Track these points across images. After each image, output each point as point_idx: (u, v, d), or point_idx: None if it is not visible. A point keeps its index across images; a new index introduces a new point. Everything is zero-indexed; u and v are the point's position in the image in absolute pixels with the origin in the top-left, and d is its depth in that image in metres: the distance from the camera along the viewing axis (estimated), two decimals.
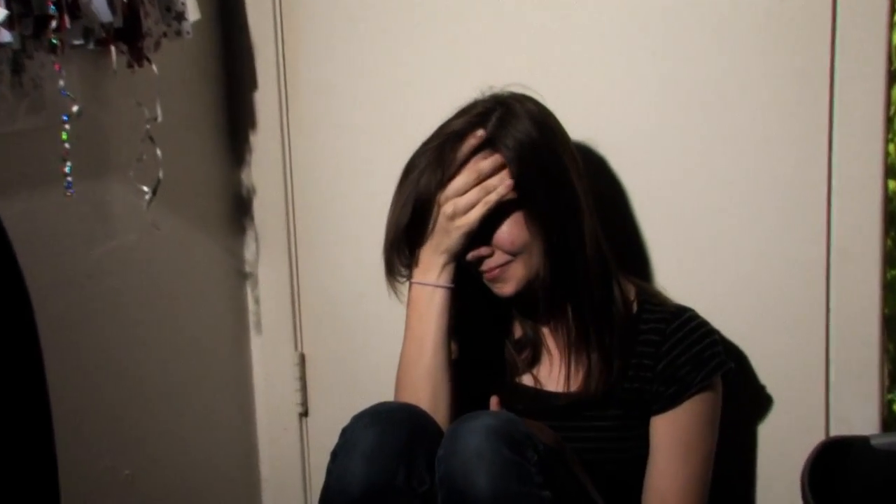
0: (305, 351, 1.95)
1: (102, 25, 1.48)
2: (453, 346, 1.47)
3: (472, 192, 1.38)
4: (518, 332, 1.54)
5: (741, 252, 1.57)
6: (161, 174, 1.59)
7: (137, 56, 1.56)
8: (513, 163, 1.39)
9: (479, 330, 1.53)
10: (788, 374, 1.57)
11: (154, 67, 1.57)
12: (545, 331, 1.53)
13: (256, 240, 1.93)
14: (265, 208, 1.91)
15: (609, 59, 1.61)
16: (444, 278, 1.43)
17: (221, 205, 1.90)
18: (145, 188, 1.59)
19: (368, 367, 1.88)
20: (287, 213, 1.90)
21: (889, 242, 1.51)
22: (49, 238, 1.51)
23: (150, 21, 1.55)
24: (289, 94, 1.86)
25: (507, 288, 1.44)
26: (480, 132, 1.39)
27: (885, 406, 1.53)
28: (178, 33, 1.62)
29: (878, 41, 1.43)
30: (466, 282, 1.46)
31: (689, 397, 1.44)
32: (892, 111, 1.48)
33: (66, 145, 1.43)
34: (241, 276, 1.95)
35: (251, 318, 1.96)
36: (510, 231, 1.41)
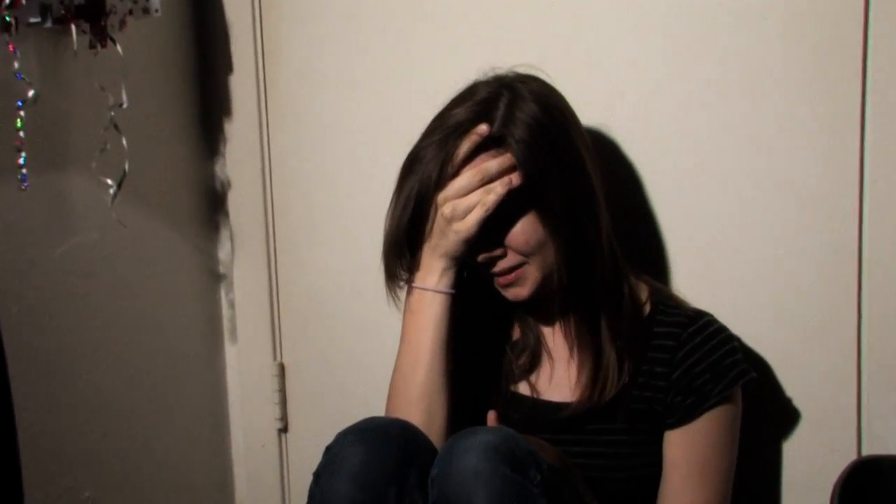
0: (285, 360, 1.95)
1: (62, 2, 1.47)
2: (452, 358, 1.46)
3: (473, 195, 1.37)
4: (516, 334, 1.54)
5: (764, 253, 1.57)
6: (127, 166, 1.58)
7: (100, 35, 1.55)
8: (523, 158, 1.37)
9: (478, 334, 1.52)
10: (817, 385, 1.56)
11: (119, 48, 1.57)
12: (547, 334, 1.52)
13: (231, 238, 1.92)
14: (241, 203, 1.91)
15: (630, 44, 1.61)
16: (445, 283, 1.43)
17: (193, 200, 1.90)
18: (109, 181, 1.58)
19: (355, 378, 1.88)
20: (265, 209, 1.90)
21: None
22: (1, 236, 1.50)
23: None
24: (268, 79, 1.86)
25: (522, 292, 1.43)
26: (484, 128, 1.37)
27: None
28: (146, 11, 1.61)
29: None
30: (470, 285, 1.46)
31: (706, 410, 1.43)
32: None
33: (21, 134, 1.42)
34: (214, 277, 1.95)
35: (225, 325, 1.96)
36: (524, 230, 1.39)
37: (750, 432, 1.51)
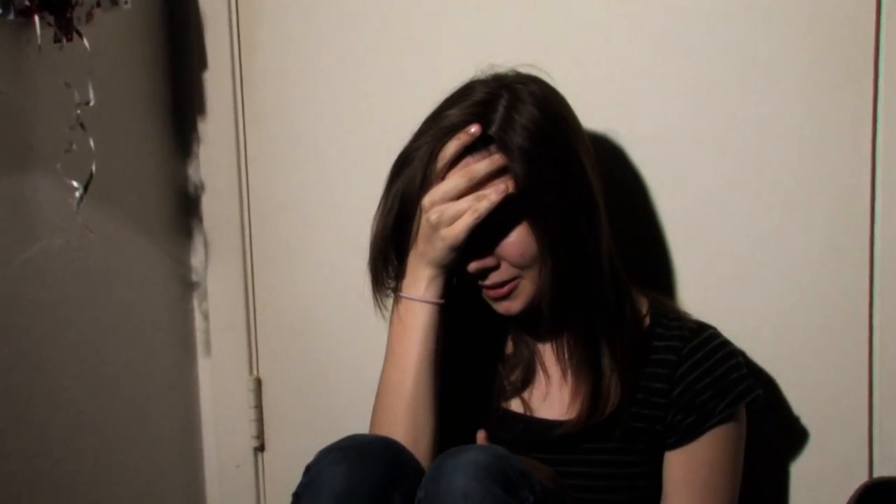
0: (262, 375, 1.94)
1: None
2: (441, 372, 1.46)
3: (462, 200, 1.36)
4: (510, 348, 1.53)
5: (772, 264, 1.57)
6: (94, 167, 1.58)
7: (66, 29, 1.54)
8: (521, 167, 1.36)
9: (469, 347, 1.52)
10: (826, 403, 1.56)
11: (86, 42, 1.56)
12: (542, 349, 1.51)
13: (205, 244, 1.92)
14: (216, 208, 1.91)
15: (635, 44, 1.61)
16: (432, 293, 1.42)
17: (165, 203, 1.89)
18: (75, 183, 1.58)
19: (337, 393, 1.87)
20: (241, 214, 1.90)
21: None
22: None
23: None
24: (244, 76, 1.85)
25: (514, 306, 1.43)
26: (475, 128, 1.36)
27: None
28: (115, 2, 1.61)
29: None
30: (460, 294, 1.45)
31: (709, 429, 1.43)
32: None
33: None
34: (187, 286, 1.94)
35: (198, 337, 1.96)
36: (519, 242, 1.38)
37: (755, 452, 1.51)
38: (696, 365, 1.44)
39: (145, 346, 1.86)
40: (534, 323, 1.48)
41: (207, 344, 1.96)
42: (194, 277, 1.94)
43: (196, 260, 1.94)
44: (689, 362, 1.44)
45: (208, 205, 1.91)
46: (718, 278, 1.60)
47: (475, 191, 1.36)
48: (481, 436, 1.42)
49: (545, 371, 1.51)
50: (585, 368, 1.44)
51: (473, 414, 1.48)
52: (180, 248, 1.92)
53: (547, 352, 1.51)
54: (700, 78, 1.57)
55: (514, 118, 1.36)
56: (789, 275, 1.56)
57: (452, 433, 1.42)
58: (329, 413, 1.87)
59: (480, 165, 1.36)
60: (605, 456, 1.46)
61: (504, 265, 1.40)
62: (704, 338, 1.46)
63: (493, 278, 1.41)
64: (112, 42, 1.71)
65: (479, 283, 1.42)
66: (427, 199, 1.37)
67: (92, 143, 1.57)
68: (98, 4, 1.58)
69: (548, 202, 1.37)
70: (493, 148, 1.37)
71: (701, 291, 1.60)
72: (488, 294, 1.43)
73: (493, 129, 1.36)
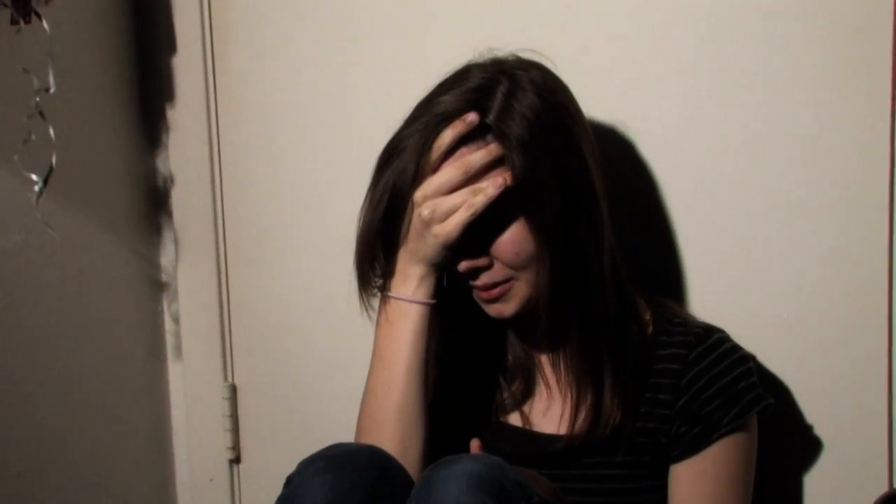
0: (237, 381, 1.94)
1: None
2: (431, 376, 1.46)
3: (457, 194, 1.35)
4: (507, 356, 1.53)
5: (785, 264, 1.57)
6: (54, 159, 1.56)
7: (23, 10, 1.54)
8: (517, 154, 1.35)
9: (462, 352, 1.52)
10: (842, 410, 1.57)
11: (45, 24, 1.55)
12: (542, 359, 1.51)
13: (176, 242, 1.92)
14: (186, 203, 1.91)
15: (644, 30, 1.61)
16: (423, 292, 1.41)
17: (131, 198, 1.89)
18: (34, 177, 1.56)
19: (318, 401, 1.88)
20: (214, 209, 1.90)
21: None
22: None
23: None
24: (216, 60, 1.85)
25: (506, 309, 1.42)
26: (472, 116, 1.35)
27: None
28: None
29: None
30: (452, 294, 1.45)
31: (716, 440, 1.43)
32: None
33: None
34: (156, 287, 1.94)
35: (169, 340, 1.96)
36: (514, 240, 1.38)
37: (767, 463, 1.51)
38: (703, 373, 1.44)
39: (112, 352, 1.85)
40: (531, 329, 1.47)
41: (178, 348, 1.96)
42: (164, 277, 1.94)
43: (166, 259, 1.94)
44: (695, 370, 1.44)
45: (178, 199, 1.91)
46: (728, 279, 1.60)
47: (471, 184, 1.35)
48: (475, 444, 1.42)
49: (545, 382, 1.51)
50: (586, 380, 1.43)
51: (468, 425, 1.48)
52: (149, 245, 1.92)
53: (547, 360, 1.50)
54: (713, 68, 1.58)
55: (514, 106, 1.36)
56: (803, 275, 1.57)
57: (444, 446, 1.41)
58: (310, 422, 1.88)
59: (476, 156, 1.36)
60: (609, 471, 1.46)
61: (497, 265, 1.40)
62: (711, 343, 1.46)
63: (485, 279, 1.40)
64: (74, 24, 1.71)
65: (471, 283, 1.42)
66: (419, 193, 1.36)
67: (52, 132, 1.56)
68: None
69: (547, 197, 1.36)
70: (489, 138, 1.36)
71: (709, 293, 1.60)
72: (479, 295, 1.43)
73: (490, 118, 1.36)
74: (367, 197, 1.41)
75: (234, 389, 1.94)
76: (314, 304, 1.85)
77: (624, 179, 1.58)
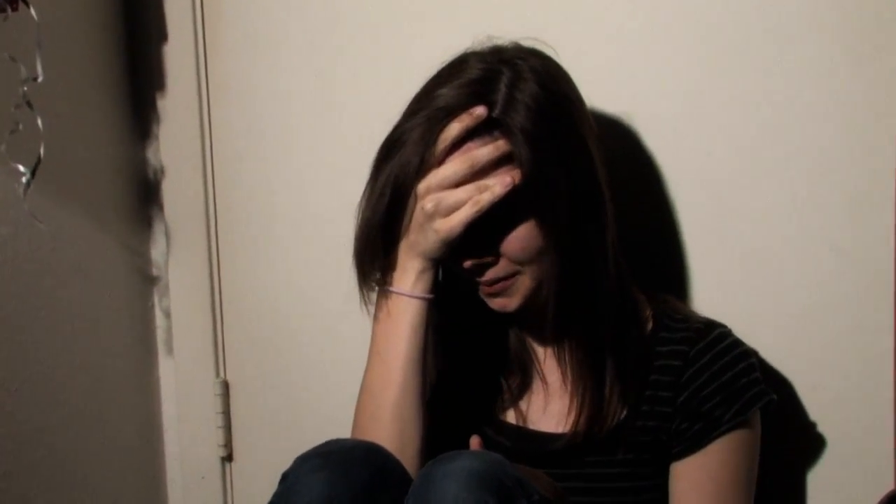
0: (229, 378, 1.94)
1: None
2: (429, 372, 1.46)
3: (461, 189, 1.35)
4: (505, 354, 1.53)
5: (789, 258, 1.58)
6: (42, 150, 1.56)
7: None
8: (524, 152, 1.35)
9: (458, 350, 1.52)
10: (847, 407, 1.57)
11: (33, 11, 1.55)
12: (542, 353, 1.51)
13: (167, 235, 1.92)
14: (178, 194, 1.91)
15: (650, 17, 1.61)
16: (421, 287, 1.41)
17: (121, 190, 1.89)
18: (22, 168, 1.56)
19: (312, 398, 1.88)
20: (206, 201, 1.89)
21: None
22: None
23: None
24: (208, 48, 1.85)
25: (510, 303, 1.42)
26: (480, 110, 1.35)
27: None
28: None
29: None
30: (451, 289, 1.45)
31: (717, 437, 1.43)
32: None
33: None
34: (146, 281, 1.94)
35: (160, 336, 1.96)
36: (521, 236, 1.37)
37: (770, 460, 1.51)
38: (703, 369, 1.44)
39: (101, 348, 1.85)
40: (532, 325, 1.48)
41: (169, 344, 1.95)
42: (155, 271, 1.94)
43: (156, 252, 1.93)
44: (696, 366, 1.44)
45: (169, 191, 1.90)
46: (731, 273, 1.61)
47: (476, 179, 1.35)
48: (475, 441, 1.41)
49: (543, 379, 1.51)
50: (587, 376, 1.44)
51: (466, 422, 1.48)
52: (139, 238, 1.92)
53: (546, 357, 1.51)
54: (718, 62, 1.58)
55: (517, 97, 1.35)
56: (808, 271, 1.57)
57: (441, 444, 1.40)
58: (303, 419, 1.87)
59: (483, 151, 1.35)
60: (609, 469, 1.46)
61: (503, 261, 1.39)
62: (712, 339, 1.46)
63: (490, 274, 1.40)
64: (62, 11, 1.71)
65: (477, 279, 1.41)
66: (423, 186, 1.36)
67: (40, 122, 1.55)
68: None
69: (554, 191, 1.36)
70: (496, 133, 1.36)
71: (712, 287, 1.61)
72: (483, 290, 1.43)
73: (496, 112, 1.35)
74: (366, 191, 1.40)
75: (226, 386, 1.93)
76: (308, 298, 1.84)
77: (627, 173, 1.58)
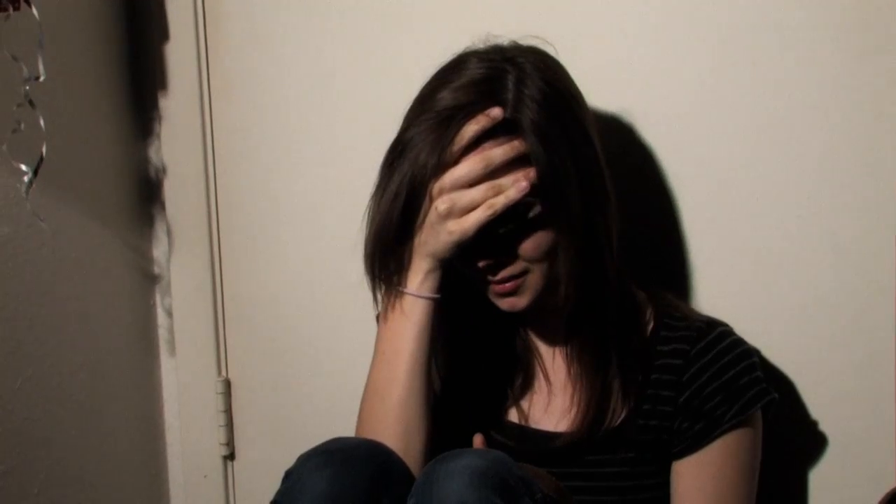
0: (231, 376, 1.94)
1: None
2: (434, 372, 1.46)
3: (476, 189, 1.34)
4: (509, 353, 1.52)
5: (791, 256, 1.58)
6: (44, 149, 1.56)
7: None
8: (539, 147, 1.34)
9: (462, 350, 1.52)
10: (848, 405, 1.57)
11: (34, 11, 1.54)
12: (545, 352, 1.51)
13: (168, 234, 1.91)
14: (179, 193, 1.90)
15: (649, 13, 1.61)
16: (428, 287, 1.41)
17: (123, 189, 1.89)
18: (24, 167, 1.56)
19: (313, 396, 1.87)
20: (207, 200, 1.89)
21: None
22: None
23: None
24: (209, 48, 1.85)
25: (520, 302, 1.42)
26: (496, 112, 1.34)
27: None
28: None
29: None
30: (456, 289, 1.44)
31: (718, 436, 1.43)
32: None
33: None
34: (148, 280, 1.94)
35: (162, 335, 1.96)
36: (535, 234, 1.37)
37: (772, 459, 1.51)
38: (705, 368, 1.44)
39: (102, 347, 1.84)
40: (539, 324, 1.48)
41: (171, 343, 1.95)
42: (156, 270, 1.94)
43: (158, 251, 1.93)
44: (697, 365, 1.44)
45: (171, 190, 1.90)
46: (732, 271, 1.61)
47: (491, 178, 1.34)
48: (478, 439, 1.42)
49: (546, 378, 1.51)
50: (590, 375, 1.44)
51: (469, 421, 1.48)
52: (141, 237, 1.91)
53: (550, 356, 1.51)
54: (721, 60, 1.58)
55: (526, 95, 1.35)
56: (810, 269, 1.57)
57: (447, 441, 1.41)
58: (305, 418, 1.87)
59: (499, 151, 1.35)
60: (611, 469, 1.46)
61: (515, 260, 1.39)
62: (713, 337, 1.46)
63: (503, 274, 1.40)
64: (64, 10, 1.70)
65: (489, 278, 1.41)
66: (437, 186, 1.35)
67: (42, 122, 1.55)
68: None
69: (567, 187, 1.36)
70: (509, 132, 1.35)
71: (713, 285, 1.61)
72: (493, 290, 1.42)
73: (508, 111, 1.35)
74: (377, 192, 1.39)
75: (228, 384, 1.93)
76: (310, 296, 1.84)
77: (627, 171, 1.57)
